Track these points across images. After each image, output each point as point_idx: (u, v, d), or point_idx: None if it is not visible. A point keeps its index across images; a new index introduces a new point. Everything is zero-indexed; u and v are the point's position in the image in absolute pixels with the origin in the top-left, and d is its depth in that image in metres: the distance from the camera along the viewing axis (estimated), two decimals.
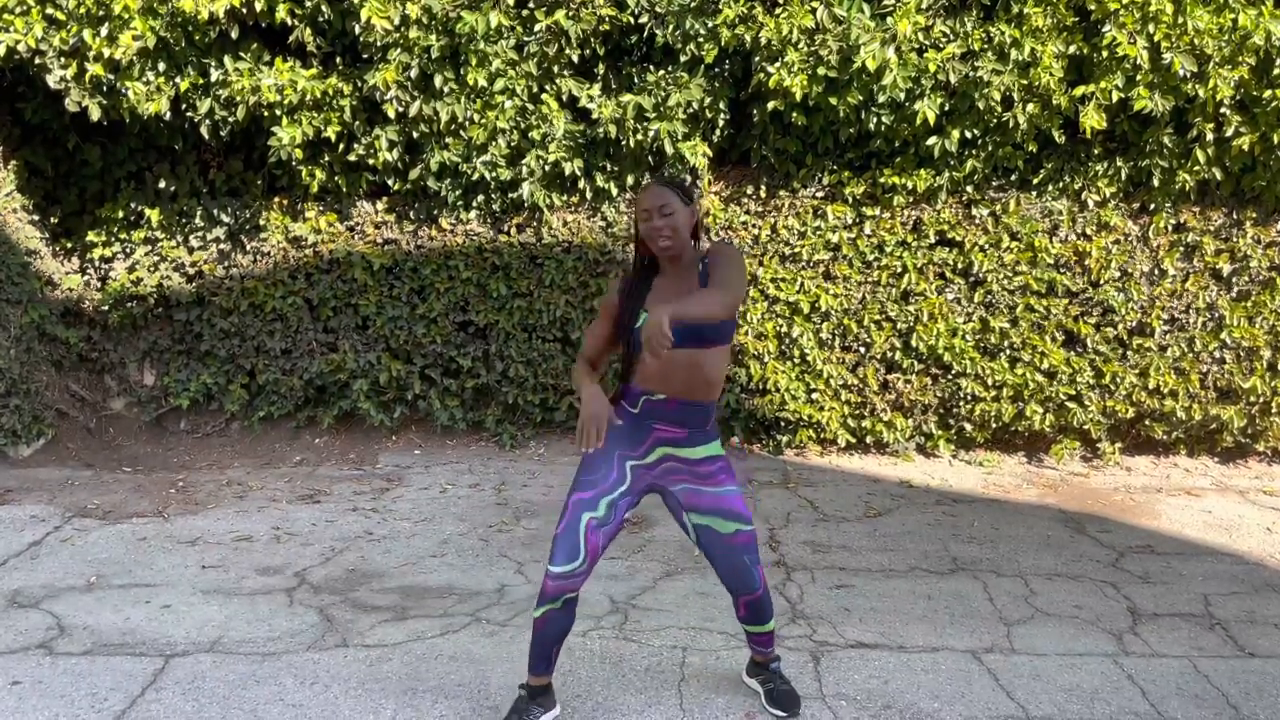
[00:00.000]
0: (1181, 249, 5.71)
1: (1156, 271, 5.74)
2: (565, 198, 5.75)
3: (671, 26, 5.30)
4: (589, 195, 5.73)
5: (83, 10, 5.05)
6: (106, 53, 5.07)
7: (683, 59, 5.40)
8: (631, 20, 5.38)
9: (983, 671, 3.40)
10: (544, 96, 5.43)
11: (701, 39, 5.30)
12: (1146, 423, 5.94)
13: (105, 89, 5.27)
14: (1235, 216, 5.68)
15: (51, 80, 5.18)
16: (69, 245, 6.16)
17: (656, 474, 2.82)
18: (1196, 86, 5.15)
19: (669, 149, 5.39)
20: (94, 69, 5.11)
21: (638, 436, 2.79)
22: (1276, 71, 5.07)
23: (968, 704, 3.17)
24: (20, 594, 3.88)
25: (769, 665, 3.15)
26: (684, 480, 2.81)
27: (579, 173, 5.57)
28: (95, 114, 5.27)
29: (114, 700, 3.08)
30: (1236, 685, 3.37)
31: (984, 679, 3.34)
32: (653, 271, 2.82)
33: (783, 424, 6.01)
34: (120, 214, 5.96)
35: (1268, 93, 5.14)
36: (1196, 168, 5.43)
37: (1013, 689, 3.28)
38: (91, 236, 6.03)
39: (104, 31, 5.06)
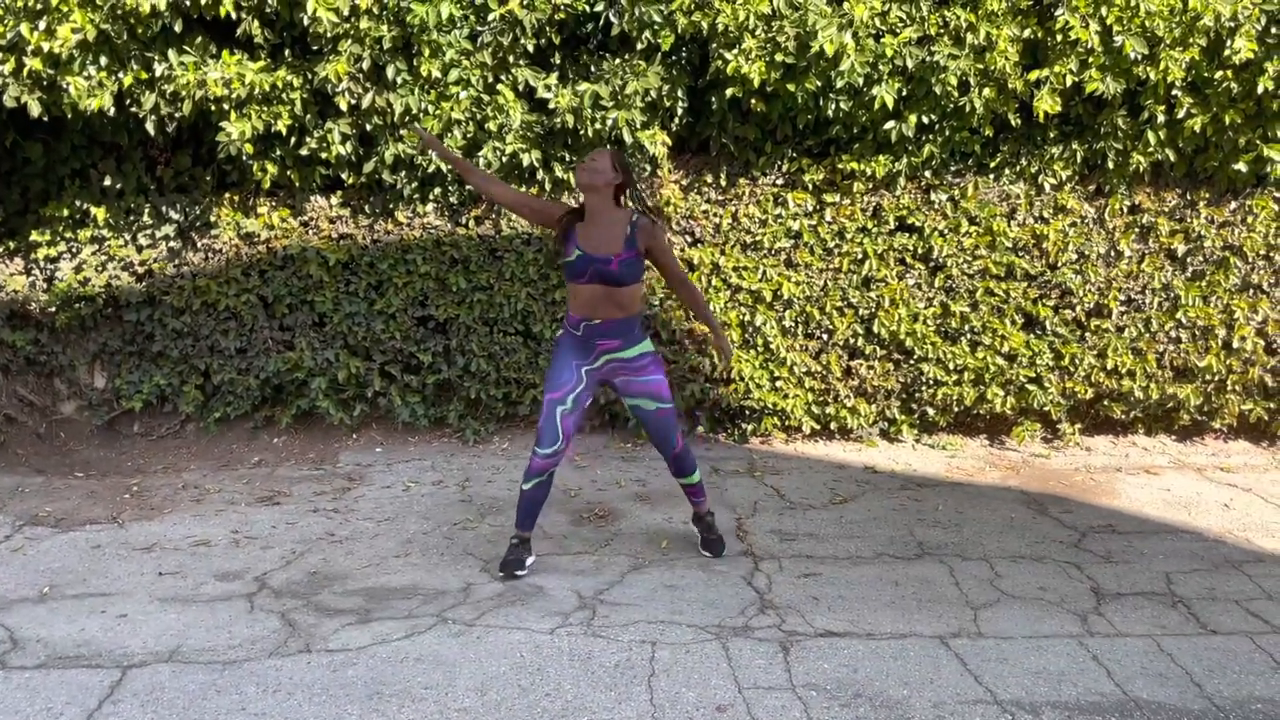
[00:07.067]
0: (1137, 230, 5.77)
1: (1113, 253, 5.79)
2: (524, 188, 5.67)
3: (627, 14, 5.25)
4: (548, 186, 5.66)
5: (19, 3, 4.89)
6: (45, 47, 4.90)
7: (639, 47, 5.34)
8: (587, 8, 5.31)
9: (950, 657, 3.41)
10: (500, 87, 5.35)
11: (658, 26, 5.25)
12: (1105, 403, 6.00)
13: (45, 84, 5.10)
14: (1189, 197, 5.74)
15: None
16: (12, 246, 5.96)
17: (604, 373, 3.94)
18: (1148, 69, 5.18)
19: (628, 138, 5.34)
20: (32, 63, 4.94)
21: (586, 350, 3.90)
22: (1227, 53, 5.11)
23: (936, 689, 3.18)
24: None
25: (704, 517, 4.28)
26: (623, 374, 3.94)
27: (537, 163, 5.49)
28: (35, 110, 5.10)
29: (70, 715, 3.00)
30: (1200, 663, 3.41)
31: (952, 664, 3.36)
32: (582, 216, 3.86)
33: (747, 413, 6.00)
34: (65, 212, 5.79)
35: (1219, 74, 5.19)
36: (1150, 149, 5.47)
37: (980, 673, 3.30)
38: (36, 236, 5.84)
39: (42, 25, 4.89)
